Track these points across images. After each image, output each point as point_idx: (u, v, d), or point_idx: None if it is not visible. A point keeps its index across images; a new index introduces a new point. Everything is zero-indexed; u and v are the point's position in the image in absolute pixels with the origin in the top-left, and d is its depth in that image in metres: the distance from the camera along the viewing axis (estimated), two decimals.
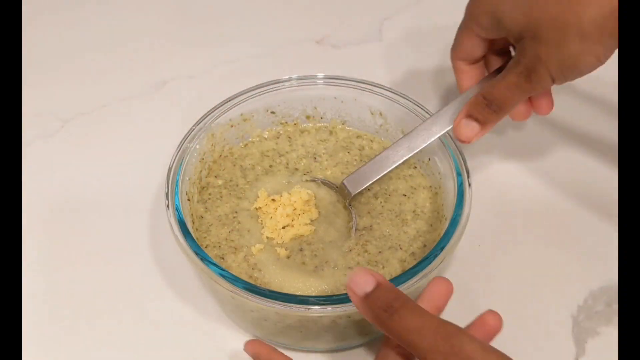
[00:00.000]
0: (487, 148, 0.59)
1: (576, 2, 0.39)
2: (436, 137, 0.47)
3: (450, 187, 0.47)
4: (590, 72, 0.41)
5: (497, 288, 0.50)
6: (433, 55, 0.68)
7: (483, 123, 0.45)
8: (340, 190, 0.50)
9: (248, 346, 0.42)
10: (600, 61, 0.41)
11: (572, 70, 0.41)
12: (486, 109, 0.45)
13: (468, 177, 0.46)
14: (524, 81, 0.42)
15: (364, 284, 0.36)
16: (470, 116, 0.46)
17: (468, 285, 0.50)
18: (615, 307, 0.48)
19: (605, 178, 0.56)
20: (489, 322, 0.38)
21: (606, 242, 0.52)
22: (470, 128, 0.46)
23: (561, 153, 0.59)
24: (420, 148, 0.48)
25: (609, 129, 0.60)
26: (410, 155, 0.48)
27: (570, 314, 0.48)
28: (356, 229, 0.48)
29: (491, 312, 0.39)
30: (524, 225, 0.54)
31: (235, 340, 0.47)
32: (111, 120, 0.62)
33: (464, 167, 0.47)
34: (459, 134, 0.46)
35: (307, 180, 0.51)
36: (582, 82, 0.64)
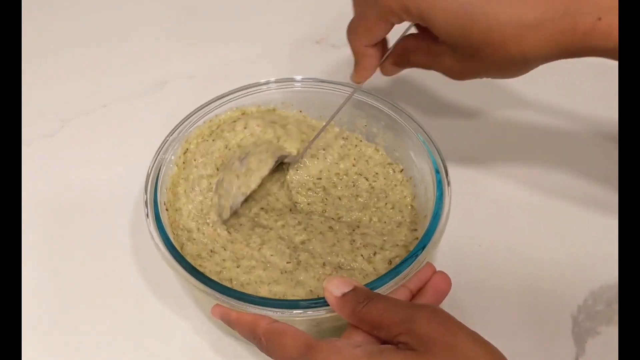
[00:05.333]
0: (486, 148, 0.59)
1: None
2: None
3: (430, 186, 0.47)
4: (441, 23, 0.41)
5: (497, 288, 0.50)
6: None
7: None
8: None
9: (215, 310, 0.42)
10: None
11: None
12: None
13: (446, 175, 0.46)
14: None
15: (342, 285, 0.38)
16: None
17: (468, 286, 0.50)
18: (615, 307, 0.48)
19: (605, 177, 0.56)
20: (440, 286, 0.42)
21: (606, 242, 0.52)
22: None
23: (561, 152, 0.59)
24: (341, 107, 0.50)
25: (609, 128, 0.60)
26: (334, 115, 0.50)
27: (570, 314, 0.48)
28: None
29: (440, 274, 0.42)
30: (523, 225, 0.54)
31: (217, 341, 0.47)
32: (111, 120, 0.63)
33: (441, 165, 0.47)
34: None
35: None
36: (583, 80, 0.64)
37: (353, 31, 0.47)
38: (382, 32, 0.46)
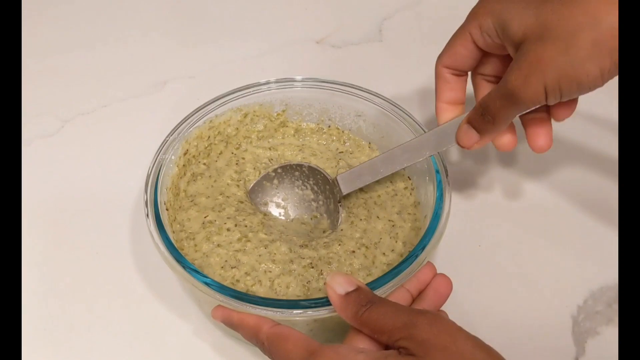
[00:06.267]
0: (486, 148, 0.59)
1: (595, 7, 0.36)
2: (440, 150, 0.46)
3: (430, 186, 0.47)
4: (586, 90, 0.38)
5: (497, 288, 0.50)
6: (433, 56, 0.68)
7: (480, 132, 0.43)
8: (330, 184, 0.50)
9: (217, 313, 0.41)
10: (603, 78, 0.37)
11: (570, 82, 0.37)
12: (481, 118, 0.43)
13: (446, 175, 0.46)
14: (515, 93, 0.39)
15: (346, 284, 0.38)
16: (470, 122, 0.44)
17: (468, 286, 0.50)
18: (615, 307, 0.48)
19: (605, 177, 0.56)
20: (441, 289, 0.42)
21: (606, 242, 0.52)
22: (469, 135, 0.44)
23: (561, 152, 0.59)
24: (421, 159, 0.47)
25: (610, 127, 0.60)
26: (410, 164, 0.47)
27: (570, 314, 0.48)
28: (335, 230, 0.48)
29: (441, 277, 0.42)
30: (523, 225, 0.54)
31: (218, 341, 0.47)
32: (111, 120, 0.63)
33: (441, 165, 0.47)
34: (459, 139, 0.45)
35: (294, 164, 0.51)
36: None
37: (442, 51, 0.46)
38: (462, 52, 0.44)
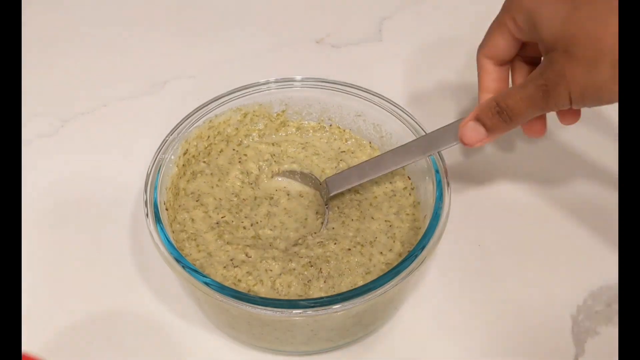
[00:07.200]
0: (486, 148, 0.59)
1: (616, 24, 0.37)
2: (428, 155, 0.47)
3: (430, 186, 0.47)
4: (607, 103, 0.39)
5: (497, 288, 0.50)
6: (433, 56, 0.68)
7: (490, 130, 0.43)
8: (320, 187, 0.50)
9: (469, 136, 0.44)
10: None
11: (593, 98, 0.39)
12: (496, 116, 0.43)
13: (446, 175, 0.46)
14: (540, 96, 0.40)
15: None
16: (478, 120, 0.44)
17: (468, 286, 0.50)
18: (615, 307, 0.48)
19: (606, 177, 0.56)
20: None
21: (606, 242, 0.52)
22: (476, 132, 0.44)
23: (561, 152, 0.59)
24: (409, 163, 0.48)
25: (609, 127, 0.60)
26: (397, 168, 0.48)
27: (570, 314, 0.48)
28: (332, 228, 0.48)
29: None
30: (523, 225, 0.54)
31: (218, 341, 0.47)
32: (111, 120, 0.63)
33: (441, 165, 0.47)
34: (463, 135, 0.44)
35: (287, 172, 0.52)
36: None
37: (482, 41, 0.46)
38: (500, 43, 0.44)
